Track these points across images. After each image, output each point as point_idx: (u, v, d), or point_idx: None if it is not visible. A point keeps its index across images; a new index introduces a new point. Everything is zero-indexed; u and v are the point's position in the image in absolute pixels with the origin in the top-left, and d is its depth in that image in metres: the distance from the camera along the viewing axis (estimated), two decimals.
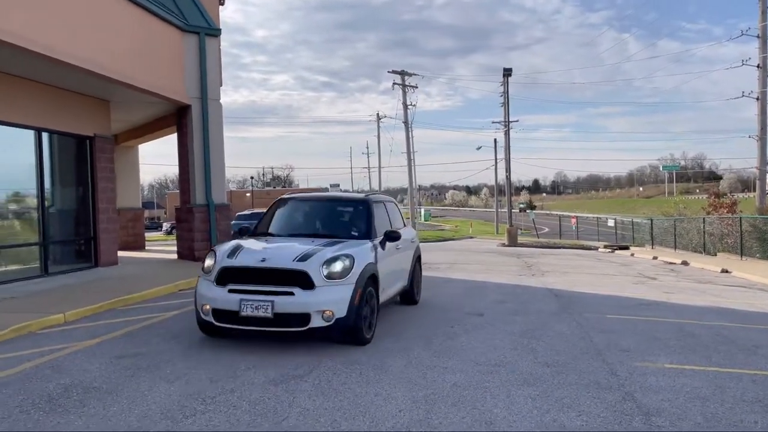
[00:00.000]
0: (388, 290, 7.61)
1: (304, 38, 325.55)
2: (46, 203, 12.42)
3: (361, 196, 8.28)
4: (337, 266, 6.16)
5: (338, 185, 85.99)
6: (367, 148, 76.73)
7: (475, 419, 4.31)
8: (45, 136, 12.37)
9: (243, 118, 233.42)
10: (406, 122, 41.57)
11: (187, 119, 15.11)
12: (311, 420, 4.27)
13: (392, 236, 7.49)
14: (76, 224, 13.58)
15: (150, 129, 18.32)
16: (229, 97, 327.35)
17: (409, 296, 9.10)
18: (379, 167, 61.21)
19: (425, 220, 67.71)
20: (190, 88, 14.78)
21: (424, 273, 15.05)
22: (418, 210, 59.61)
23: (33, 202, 12.15)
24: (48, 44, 9.77)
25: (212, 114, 15.17)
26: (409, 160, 41.86)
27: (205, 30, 14.90)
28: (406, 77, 41.28)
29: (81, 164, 13.63)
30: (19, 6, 9.33)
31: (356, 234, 7.38)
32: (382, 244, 7.34)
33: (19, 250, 11.98)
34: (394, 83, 41.33)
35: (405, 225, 9.37)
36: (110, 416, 4.34)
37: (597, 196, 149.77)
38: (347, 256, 6.32)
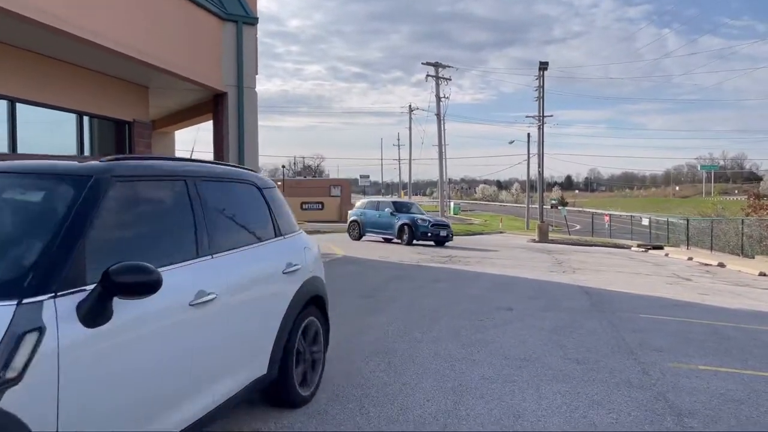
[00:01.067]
0: None
1: (337, 29, 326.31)
2: None
3: (79, 165, 2.92)
4: None
5: (368, 176, 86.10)
6: (398, 140, 76.68)
7: (504, 412, 4.30)
8: (86, 119, 12.68)
9: (275, 108, 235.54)
10: (438, 115, 41.39)
11: (222, 106, 15.30)
12: (340, 405, 4.32)
13: (128, 284, 2.44)
14: None
15: (186, 116, 18.62)
16: (261, 86, 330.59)
17: (277, 391, 4.12)
18: (410, 159, 61.13)
19: (454, 214, 67.42)
20: (227, 75, 14.96)
21: (452, 266, 15.00)
22: (448, 204, 59.43)
23: None
24: (94, 30, 9.99)
25: (248, 102, 15.34)
26: (441, 153, 41.69)
27: (243, 18, 15.05)
28: (439, 69, 41.05)
29: (120, 148, 13.93)
30: None
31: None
32: (93, 306, 2.42)
33: None
34: (427, 75, 41.14)
35: (279, 233, 4.31)
36: None
37: (631, 194, 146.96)
38: None
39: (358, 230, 23.34)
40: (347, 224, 24.53)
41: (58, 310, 2.30)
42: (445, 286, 10.82)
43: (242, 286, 3.57)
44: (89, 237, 2.56)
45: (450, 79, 41.59)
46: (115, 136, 13.87)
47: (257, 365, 3.75)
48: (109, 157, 3.02)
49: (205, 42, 14.23)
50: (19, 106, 10.81)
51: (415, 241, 21.12)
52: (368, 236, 23.16)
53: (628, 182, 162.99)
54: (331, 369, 5.18)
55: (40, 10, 8.78)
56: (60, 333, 2.26)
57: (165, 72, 12.50)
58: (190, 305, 3.02)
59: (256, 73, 15.77)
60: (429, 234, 21.46)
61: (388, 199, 27.25)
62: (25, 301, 2.22)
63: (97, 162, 2.96)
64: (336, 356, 5.61)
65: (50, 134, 11.99)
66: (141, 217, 3.12)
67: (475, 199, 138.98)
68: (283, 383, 4.05)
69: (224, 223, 3.65)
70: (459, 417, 4.18)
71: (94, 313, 2.41)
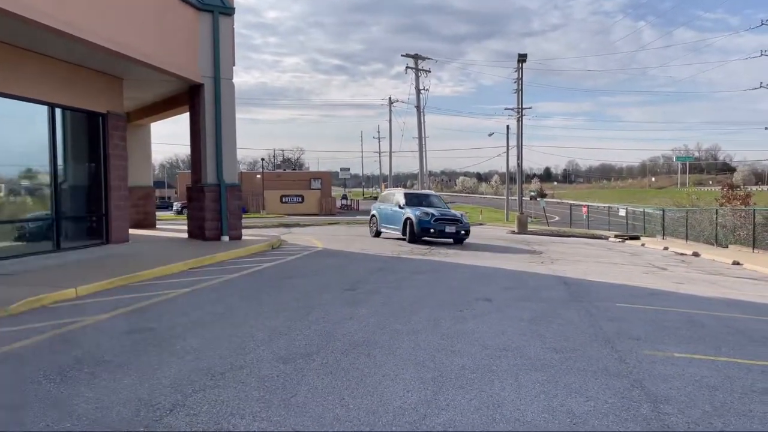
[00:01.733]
0: None
1: (316, 20, 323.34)
2: (59, 179, 12.50)
3: None
4: None
5: (348, 169, 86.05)
6: (378, 132, 76.76)
7: (483, 401, 4.32)
8: (58, 112, 12.41)
9: (254, 100, 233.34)
10: (418, 107, 41.38)
11: (199, 98, 15.11)
12: (320, 398, 4.30)
13: None
14: (88, 201, 13.66)
15: (162, 107, 18.35)
16: (240, 78, 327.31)
17: None
18: (390, 152, 61.17)
19: None
20: (204, 66, 14.76)
21: (432, 258, 15.02)
22: None
23: (45, 178, 12.23)
24: (67, 20, 9.76)
25: (225, 93, 15.16)
26: (421, 145, 41.73)
27: (219, 8, 14.85)
28: (419, 61, 41.01)
29: (93, 141, 13.68)
30: None
31: None
32: None
33: (32, 226, 12.09)
34: (407, 67, 41.09)
35: None
36: (120, 389, 4.38)
37: (609, 185, 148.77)
38: None
39: (375, 226, 20.70)
40: (369, 218, 22.14)
41: None
42: (425, 278, 10.83)
43: None
44: None
45: (430, 71, 41.65)
46: (89, 128, 13.62)
47: None
48: None
49: (180, 32, 14.01)
50: None
51: (418, 239, 18.18)
52: (385, 233, 20.37)
53: (605, 174, 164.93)
54: (311, 362, 5.16)
55: (16, 2, 8.56)
56: None
57: (140, 63, 12.29)
58: None
59: (234, 65, 15.60)
60: (432, 230, 17.90)
61: (402, 190, 22.83)
62: None
63: None
64: (316, 349, 5.59)
65: (22, 127, 11.71)
66: None
67: (456, 192, 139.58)
68: None
69: None
70: (439, 407, 4.18)
71: None
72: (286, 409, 4.06)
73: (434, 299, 8.52)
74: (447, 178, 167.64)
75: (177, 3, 13.77)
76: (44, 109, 12.00)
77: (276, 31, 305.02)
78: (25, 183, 12.24)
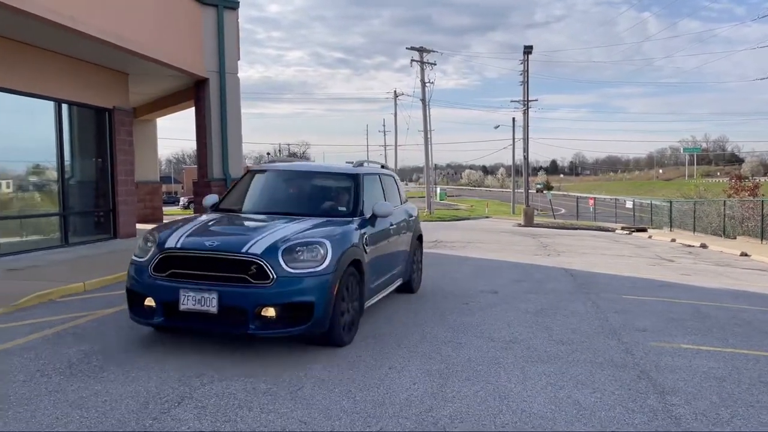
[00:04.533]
0: None
1: (318, 14, 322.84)
2: (66, 175, 12.56)
3: None
4: None
5: (353, 163, 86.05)
6: (384, 125, 76.70)
7: (489, 393, 4.33)
8: (65, 107, 12.45)
9: (258, 94, 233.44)
10: (423, 100, 41.20)
11: (205, 93, 15.12)
12: (326, 390, 4.31)
13: None
14: (96, 196, 13.73)
15: (168, 102, 18.39)
16: (244, 72, 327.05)
17: None
18: (396, 145, 60.96)
19: (440, 200, 67.57)
20: (209, 61, 14.77)
21: (438, 251, 14.97)
22: (434, 189, 59.45)
23: (53, 173, 12.29)
24: (71, 15, 9.78)
25: (230, 88, 15.16)
26: (426, 138, 41.59)
27: (223, 3, 14.83)
28: (424, 54, 40.81)
29: (100, 136, 13.73)
30: None
31: None
32: None
33: (40, 221, 12.16)
34: (412, 60, 40.88)
35: None
36: (130, 381, 4.42)
37: (616, 177, 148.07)
38: None
39: None
40: None
41: None
42: (430, 271, 10.82)
43: None
44: None
45: (435, 64, 41.35)
46: (95, 124, 13.67)
47: None
48: None
49: (185, 27, 14.02)
50: None
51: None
52: None
53: (612, 166, 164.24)
54: (318, 353, 5.18)
55: None
56: None
57: (146, 58, 12.31)
58: None
59: (239, 59, 15.59)
60: (154, 304, 5.09)
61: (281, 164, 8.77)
62: None
63: None
64: None
65: (29, 123, 11.77)
66: None
67: (462, 185, 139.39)
68: None
69: None
70: (445, 399, 4.19)
71: None
72: (293, 402, 4.08)
73: (440, 291, 8.52)
74: (453, 171, 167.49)
75: None
76: (51, 104, 12.05)
77: (279, 26, 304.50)
78: (33, 179, 12.31)
